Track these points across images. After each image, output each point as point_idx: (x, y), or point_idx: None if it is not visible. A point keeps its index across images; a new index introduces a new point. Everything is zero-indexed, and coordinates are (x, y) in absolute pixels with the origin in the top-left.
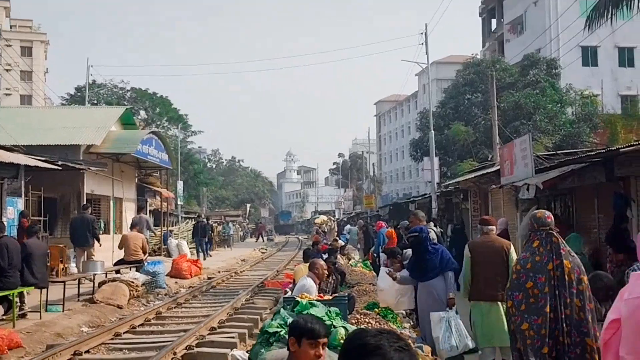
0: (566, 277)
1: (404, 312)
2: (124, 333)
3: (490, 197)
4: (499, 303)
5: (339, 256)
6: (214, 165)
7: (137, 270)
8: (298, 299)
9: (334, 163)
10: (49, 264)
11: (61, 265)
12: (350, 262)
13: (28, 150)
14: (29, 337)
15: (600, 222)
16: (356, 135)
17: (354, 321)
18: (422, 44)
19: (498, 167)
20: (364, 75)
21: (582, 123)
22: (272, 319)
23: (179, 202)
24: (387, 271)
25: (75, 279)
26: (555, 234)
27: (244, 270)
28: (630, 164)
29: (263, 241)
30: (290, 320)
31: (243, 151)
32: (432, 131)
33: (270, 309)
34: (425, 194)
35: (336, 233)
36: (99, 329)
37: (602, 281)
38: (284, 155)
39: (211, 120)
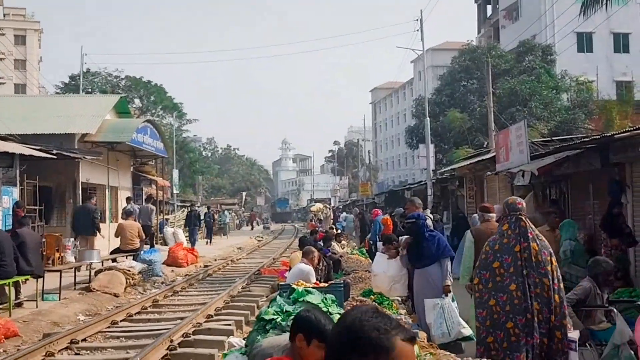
0: (534, 258)
1: (399, 298)
2: (121, 321)
3: (485, 183)
4: None
5: (334, 244)
6: (210, 154)
7: (133, 259)
8: (294, 286)
9: (329, 151)
10: (45, 253)
11: (57, 254)
12: (345, 249)
13: (23, 139)
14: (26, 326)
15: (595, 208)
16: (352, 123)
17: (349, 308)
18: (418, 30)
19: (493, 154)
20: (360, 63)
21: (577, 109)
22: (268, 306)
23: (174, 191)
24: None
25: (71, 268)
26: (524, 218)
27: (240, 258)
28: (625, 150)
29: (251, 229)
30: (287, 307)
31: (238, 140)
32: (428, 118)
33: (266, 297)
34: (421, 181)
35: (332, 221)
36: (96, 318)
37: (601, 266)
38: (280, 143)
39: (206, 108)
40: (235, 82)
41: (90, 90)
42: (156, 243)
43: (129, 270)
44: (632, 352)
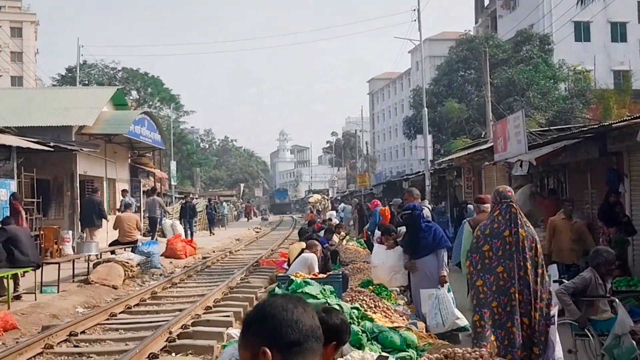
0: (520, 243)
1: (398, 289)
2: (120, 313)
3: (483, 173)
4: None
5: (335, 236)
6: (207, 146)
7: (131, 251)
8: (292, 277)
9: (327, 142)
10: (42, 246)
11: (55, 247)
12: (344, 240)
13: (20, 131)
14: (24, 319)
15: (593, 198)
16: (349, 114)
17: (348, 299)
18: (415, 20)
19: (491, 144)
20: (357, 53)
21: (575, 99)
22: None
23: (172, 183)
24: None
25: (69, 260)
26: (514, 205)
27: (238, 250)
28: (622, 139)
29: (247, 221)
30: None
31: (236, 131)
32: (425, 109)
33: (265, 288)
34: (419, 172)
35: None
36: (95, 310)
37: (602, 256)
38: (277, 134)
39: (203, 100)
40: (232, 74)
41: (87, 82)
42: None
43: (127, 263)
44: (634, 343)
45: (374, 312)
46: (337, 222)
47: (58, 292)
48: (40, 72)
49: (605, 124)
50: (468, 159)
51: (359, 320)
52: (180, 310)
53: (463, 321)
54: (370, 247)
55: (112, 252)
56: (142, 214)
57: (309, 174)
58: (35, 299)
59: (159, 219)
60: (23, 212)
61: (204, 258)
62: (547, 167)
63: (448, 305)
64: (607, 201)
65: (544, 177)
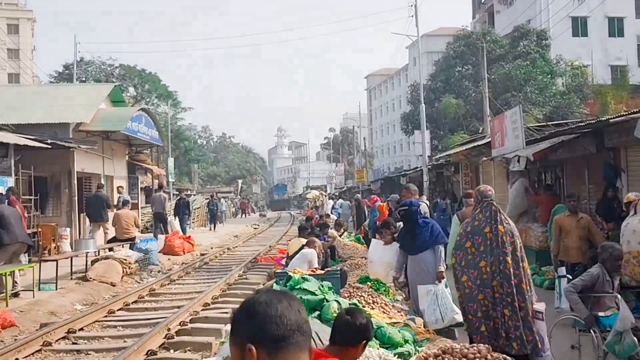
0: (500, 239)
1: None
2: (118, 310)
3: (481, 169)
4: None
5: (333, 231)
6: (205, 142)
7: (129, 248)
8: (290, 273)
9: (325, 138)
10: (40, 243)
11: (53, 244)
12: (342, 236)
13: (17, 129)
14: (23, 316)
15: (590, 193)
16: (347, 110)
17: (346, 295)
18: (412, 16)
19: (489, 140)
20: (355, 49)
21: (572, 94)
22: None
23: (170, 179)
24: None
25: (67, 258)
26: (494, 204)
27: (236, 246)
28: (620, 135)
29: (242, 217)
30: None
31: (233, 127)
32: (423, 104)
33: (263, 284)
34: (417, 168)
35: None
36: (93, 307)
37: (608, 252)
38: (275, 130)
39: (201, 96)
40: (230, 70)
41: (84, 79)
42: (152, 232)
43: (125, 260)
44: (636, 340)
45: (372, 308)
46: (335, 217)
47: (56, 289)
48: (37, 70)
49: (603, 119)
50: (466, 154)
51: None
52: (178, 307)
53: (461, 316)
54: (368, 243)
55: (110, 249)
56: (139, 210)
57: (306, 170)
58: (34, 297)
59: (167, 215)
60: (20, 206)
61: (202, 255)
62: (544, 162)
63: (446, 301)
64: (605, 196)
65: (542, 172)
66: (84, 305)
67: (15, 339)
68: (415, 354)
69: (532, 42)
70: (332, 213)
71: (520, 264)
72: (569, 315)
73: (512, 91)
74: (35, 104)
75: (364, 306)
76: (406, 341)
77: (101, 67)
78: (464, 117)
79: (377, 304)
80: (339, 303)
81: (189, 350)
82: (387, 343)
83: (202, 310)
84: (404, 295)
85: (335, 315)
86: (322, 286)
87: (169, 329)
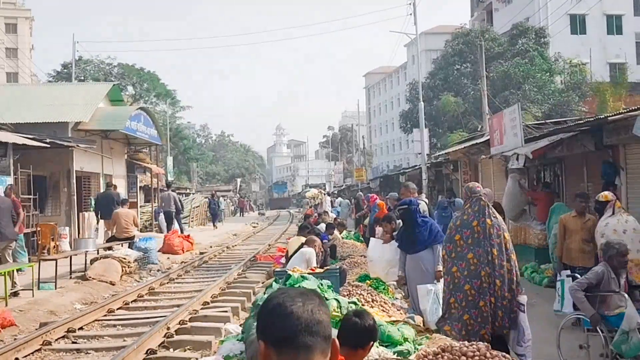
0: (487, 231)
1: (395, 283)
2: (117, 309)
3: (480, 167)
4: None
5: (335, 231)
6: (203, 141)
7: (129, 247)
8: (289, 272)
9: (324, 136)
10: (39, 242)
11: (52, 243)
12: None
13: (16, 128)
14: (22, 316)
15: (589, 191)
16: (346, 108)
17: (345, 293)
18: (411, 14)
19: (488, 138)
20: (353, 47)
21: (571, 92)
22: (264, 293)
23: (169, 178)
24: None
25: (67, 257)
26: (483, 199)
27: (235, 245)
28: (618, 133)
29: (242, 216)
30: None
31: (232, 126)
32: (422, 102)
33: (262, 283)
34: (416, 166)
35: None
36: (92, 306)
37: (614, 248)
38: (274, 129)
39: (199, 95)
40: (228, 68)
41: (82, 78)
42: (151, 230)
43: (124, 258)
44: None
45: (372, 307)
46: (334, 216)
47: (55, 288)
48: (35, 69)
49: (601, 117)
50: (464, 152)
51: None
52: (178, 306)
53: None
54: (367, 241)
55: (109, 248)
56: (138, 209)
57: (305, 169)
58: (33, 296)
59: (174, 214)
60: (19, 204)
61: (201, 253)
62: (543, 160)
63: None
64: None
65: (540, 170)
66: (83, 305)
67: (15, 339)
68: (414, 352)
69: (531, 39)
70: (331, 212)
71: (509, 256)
72: (575, 315)
73: (510, 89)
74: (34, 103)
75: (363, 305)
76: (405, 339)
77: (100, 66)
78: (462, 115)
79: (377, 302)
80: (338, 302)
81: (188, 349)
82: (387, 341)
83: (202, 309)
84: (403, 294)
85: (334, 314)
86: (321, 285)
87: (168, 328)
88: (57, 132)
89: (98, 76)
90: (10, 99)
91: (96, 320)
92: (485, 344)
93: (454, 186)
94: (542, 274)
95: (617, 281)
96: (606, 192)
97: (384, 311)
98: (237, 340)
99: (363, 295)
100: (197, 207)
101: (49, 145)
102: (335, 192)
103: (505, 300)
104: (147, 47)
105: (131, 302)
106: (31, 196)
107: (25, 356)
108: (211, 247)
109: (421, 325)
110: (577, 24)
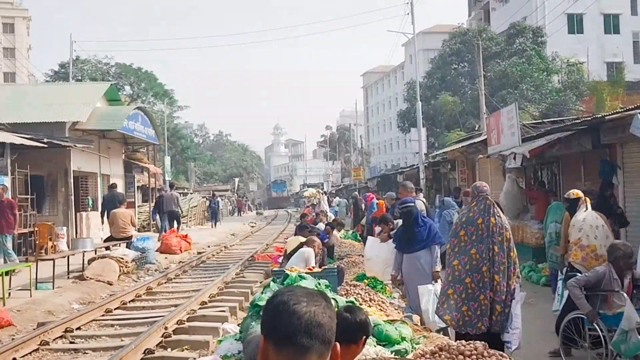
0: (490, 229)
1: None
2: (115, 309)
3: (477, 166)
4: None
5: (335, 231)
6: (201, 140)
7: (126, 247)
8: (287, 272)
9: (321, 136)
10: (37, 242)
11: (50, 243)
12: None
13: (13, 128)
14: (20, 316)
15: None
16: (343, 108)
17: (343, 292)
18: (408, 13)
19: (485, 137)
20: (351, 47)
21: (568, 91)
22: (262, 292)
23: (166, 178)
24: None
25: (64, 257)
26: (489, 198)
27: (233, 245)
28: (616, 131)
29: (239, 216)
30: None
31: (230, 125)
32: (419, 102)
33: (260, 283)
34: (413, 165)
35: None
36: (90, 306)
37: (620, 250)
38: (272, 128)
39: (197, 94)
40: (225, 68)
41: (80, 78)
42: (149, 230)
43: (122, 258)
44: None
45: (369, 306)
46: (332, 216)
47: (53, 288)
48: (33, 68)
49: (599, 116)
50: (462, 152)
51: None
52: (175, 305)
53: None
54: (365, 240)
55: (107, 248)
56: (136, 209)
57: (303, 168)
58: (31, 296)
59: (177, 213)
60: (15, 204)
61: (199, 253)
62: (540, 159)
63: None
64: (601, 193)
65: (538, 169)
66: (81, 304)
67: (13, 339)
68: (412, 351)
69: (528, 39)
70: (329, 212)
71: (508, 254)
72: (576, 314)
73: (508, 88)
74: (31, 103)
75: (360, 304)
76: (403, 339)
77: (97, 66)
78: (460, 114)
79: (374, 301)
80: (336, 301)
81: (186, 348)
82: (384, 340)
83: (200, 308)
84: (401, 293)
85: None
86: (319, 284)
87: (166, 328)
88: (55, 131)
89: (95, 76)
90: (7, 98)
91: (94, 320)
92: (483, 342)
93: (451, 185)
94: (539, 273)
95: (620, 282)
96: (576, 190)
97: (381, 310)
98: (235, 340)
99: (361, 295)
100: (194, 206)
101: (46, 145)
102: (333, 191)
103: (503, 295)
104: (144, 47)
105: (129, 302)
106: (28, 196)
107: (23, 356)
108: (209, 246)
109: (419, 324)
110: (575, 24)
